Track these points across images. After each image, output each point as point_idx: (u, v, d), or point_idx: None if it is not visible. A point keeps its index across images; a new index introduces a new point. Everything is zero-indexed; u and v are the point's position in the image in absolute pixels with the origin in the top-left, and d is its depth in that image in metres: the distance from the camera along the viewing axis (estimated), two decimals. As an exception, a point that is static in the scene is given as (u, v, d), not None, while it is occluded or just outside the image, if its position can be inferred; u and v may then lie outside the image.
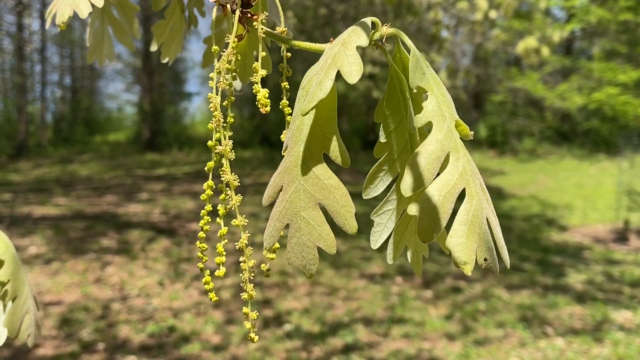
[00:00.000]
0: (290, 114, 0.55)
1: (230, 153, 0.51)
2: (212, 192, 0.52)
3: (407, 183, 0.45)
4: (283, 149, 0.50)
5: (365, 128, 16.57)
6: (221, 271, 0.51)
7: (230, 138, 0.52)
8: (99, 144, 16.81)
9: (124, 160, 13.40)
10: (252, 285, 0.50)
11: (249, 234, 0.51)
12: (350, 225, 0.47)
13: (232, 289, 4.27)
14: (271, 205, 0.50)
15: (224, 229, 0.52)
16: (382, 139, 0.56)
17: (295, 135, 0.49)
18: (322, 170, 0.48)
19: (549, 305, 4.18)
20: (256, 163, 12.46)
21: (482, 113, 17.96)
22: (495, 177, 11.32)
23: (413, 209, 0.45)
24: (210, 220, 0.54)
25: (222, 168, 0.51)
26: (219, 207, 0.52)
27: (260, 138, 15.67)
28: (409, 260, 0.57)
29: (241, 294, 0.50)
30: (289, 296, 4.23)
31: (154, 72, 15.91)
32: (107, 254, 5.16)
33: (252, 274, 0.50)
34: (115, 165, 12.23)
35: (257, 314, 0.50)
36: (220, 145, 0.51)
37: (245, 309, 0.49)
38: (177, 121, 17.94)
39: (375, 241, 0.56)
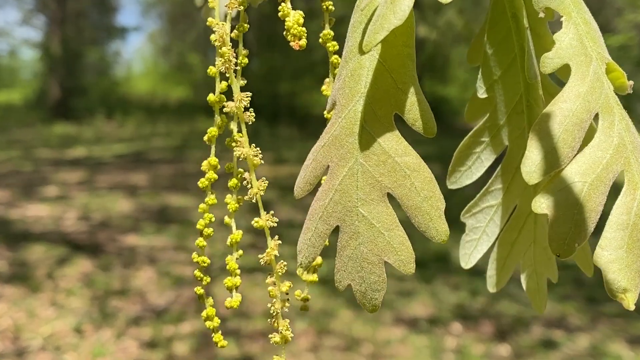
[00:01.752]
0: (337, 53, 0.55)
1: (248, 113, 0.51)
2: (215, 176, 0.52)
3: (532, 163, 0.44)
4: (327, 108, 0.50)
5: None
6: (235, 300, 0.51)
7: (242, 90, 0.51)
8: (-22, 108, 16.85)
9: (20, 133, 13.43)
10: (287, 321, 0.50)
11: (279, 242, 0.51)
12: (438, 229, 0.46)
13: (192, 339, 4.29)
14: (307, 199, 0.50)
15: (236, 234, 0.52)
16: (481, 92, 0.55)
17: (349, 86, 0.49)
18: (392, 141, 0.48)
19: (698, 370, 4.17)
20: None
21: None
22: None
23: (542, 204, 0.44)
24: (213, 219, 0.54)
25: (235, 137, 0.51)
26: (228, 199, 0.52)
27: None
28: (524, 287, 0.57)
29: (270, 336, 0.50)
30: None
31: (66, -5, 15.89)
32: (-5, 281, 5.18)
33: (287, 303, 0.51)
34: (5, 141, 12.26)
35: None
36: (232, 101, 0.51)
37: (276, 359, 0.50)
38: (103, 73, 17.92)
39: (468, 256, 0.55)
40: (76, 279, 5.30)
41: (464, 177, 0.57)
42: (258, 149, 0.53)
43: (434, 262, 5.85)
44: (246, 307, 4.60)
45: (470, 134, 0.57)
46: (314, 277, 0.51)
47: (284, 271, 0.52)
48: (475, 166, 0.57)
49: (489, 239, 0.57)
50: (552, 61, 0.47)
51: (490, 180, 0.58)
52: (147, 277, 4.87)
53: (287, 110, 15.91)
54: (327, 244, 0.51)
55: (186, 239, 6.32)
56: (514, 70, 0.55)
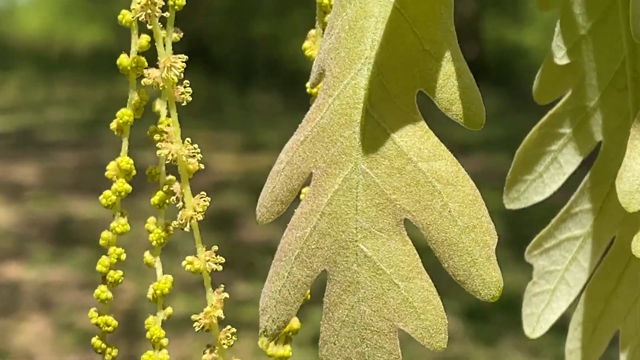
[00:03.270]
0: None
1: (180, 89, 0.52)
2: (127, 187, 0.52)
3: (634, 176, 0.44)
4: (311, 79, 0.50)
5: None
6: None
7: (176, 50, 0.52)
8: None
9: None
10: None
11: (225, 295, 0.51)
12: (485, 277, 0.46)
13: None
14: (276, 226, 0.50)
15: (162, 282, 0.52)
16: (560, 56, 0.55)
17: (347, 45, 0.48)
18: (414, 135, 0.47)
19: None
20: (184, 112, 12.50)
21: None
22: None
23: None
24: (123, 256, 0.54)
25: (160, 126, 0.52)
26: (150, 224, 0.52)
27: (188, 50, 15.73)
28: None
29: None
30: None
31: None
32: None
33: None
34: None
35: None
36: (157, 66, 0.52)
37: None
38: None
39: (536, 317, 0.55)
40: None
41: (532, 190, 0.57)
42: (195, 145, 0.53)
43: (499, 311, 5.85)
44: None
45: (541, 122, 0.56)
46: (286, 350, 0.51)
47: (232, 343, 0.53)
48: (549, 174, 0.56)
49: (569, 291, 0.57)
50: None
51: (573, 197, 0.58)
52: (36, 332, 4.89)
53: (266, 65, 15.86)
54: (307, 296, 0.51)
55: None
56: (611, 21, 0.55)
